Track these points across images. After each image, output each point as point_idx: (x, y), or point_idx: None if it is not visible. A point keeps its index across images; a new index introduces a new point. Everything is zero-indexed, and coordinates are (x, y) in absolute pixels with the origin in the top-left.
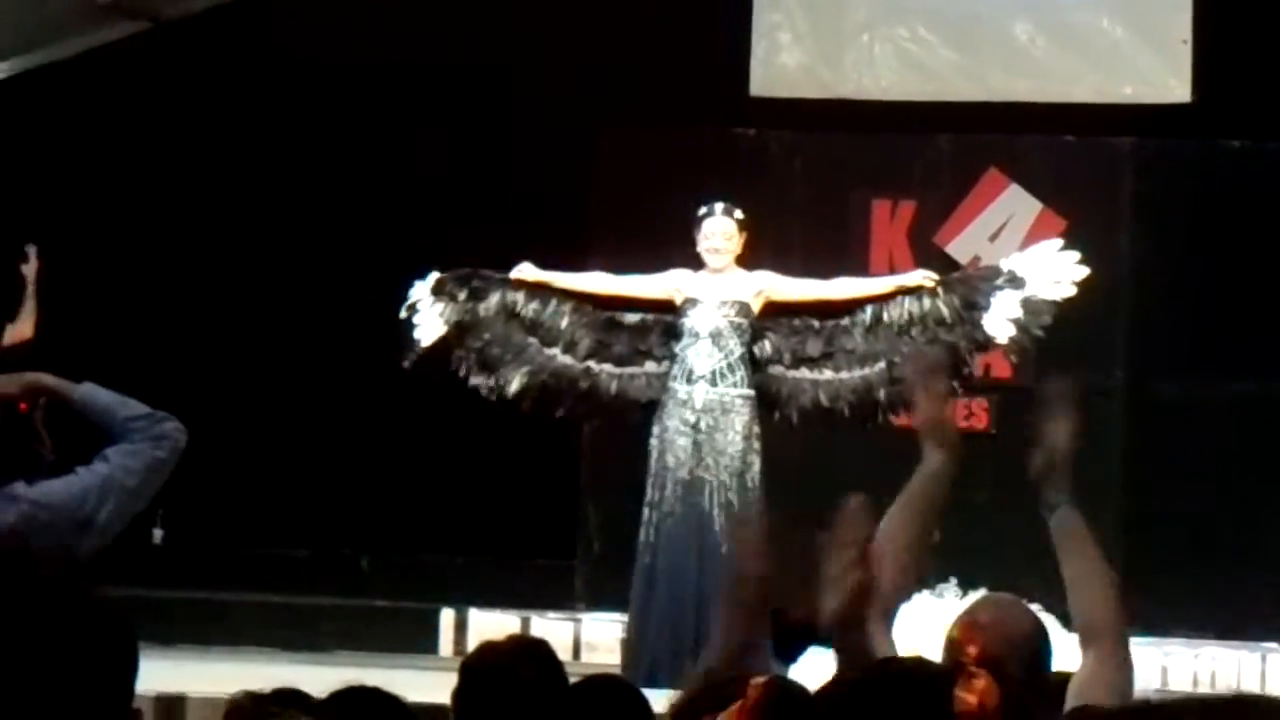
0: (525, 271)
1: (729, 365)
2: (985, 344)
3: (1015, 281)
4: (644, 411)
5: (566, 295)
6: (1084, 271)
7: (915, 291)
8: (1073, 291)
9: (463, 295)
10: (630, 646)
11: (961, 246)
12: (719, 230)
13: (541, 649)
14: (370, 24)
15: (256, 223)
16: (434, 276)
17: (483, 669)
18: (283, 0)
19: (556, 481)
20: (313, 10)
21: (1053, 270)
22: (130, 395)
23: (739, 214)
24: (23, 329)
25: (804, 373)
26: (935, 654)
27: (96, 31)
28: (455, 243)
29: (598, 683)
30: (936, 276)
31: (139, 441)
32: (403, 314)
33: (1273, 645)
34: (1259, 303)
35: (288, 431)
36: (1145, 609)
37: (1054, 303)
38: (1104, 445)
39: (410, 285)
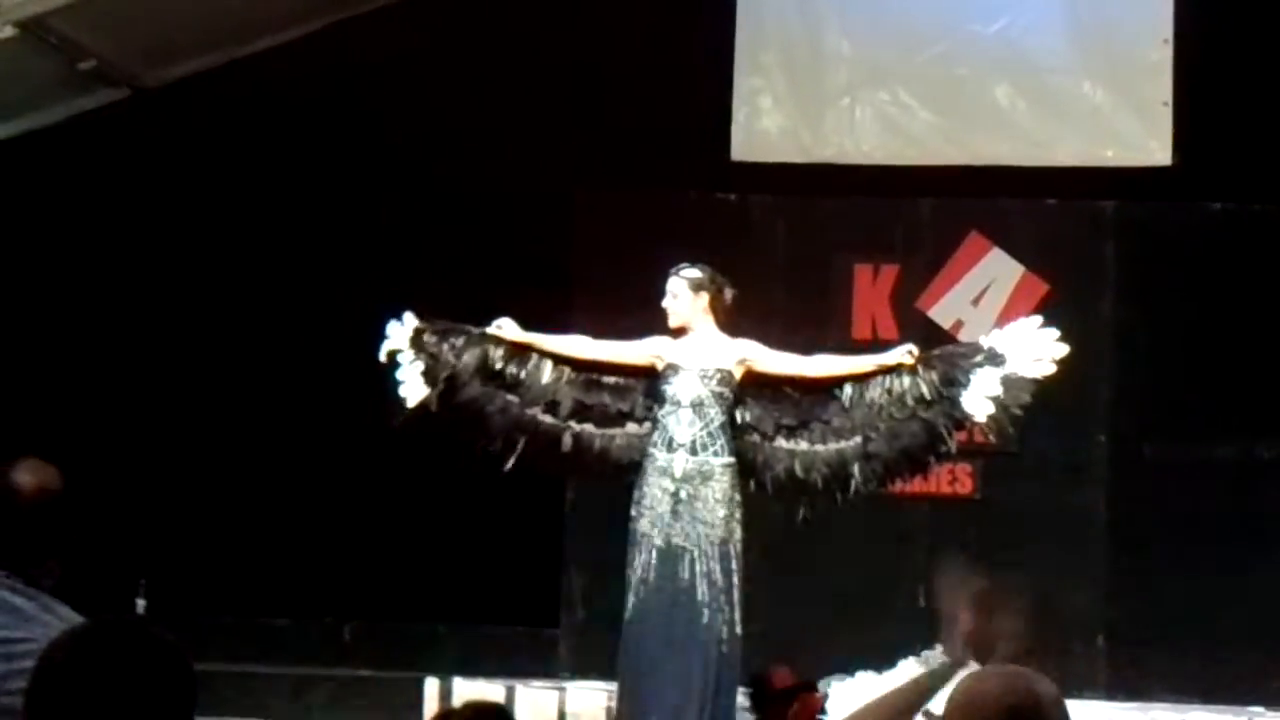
0: (506, 328)
1: (710, 434)
2: (963, 422)
3: (995, 359)
4: (627, 472)
5: (545, 353)
6: (1064, 349)
7: (895, 371)
8: (1053, 369)
9: (444, 352)
10: (622, 711)
11: (944, 310)
12: (668, 289)
13: (499, 713)
14: (352, 85)
15: (239, 287)
16: (411, 323)
17: None
18: (263, 65)
19: (540, 549)
20: (293, 73)
21: (1033, 347)
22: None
23: (693, 273)
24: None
25: (781, 442)
26: (924, 715)
27: (77, 99)
28: (439, 304)
29: None
30: (917, 353)
31: None
32: (381, 357)
33: (1258, 709)
34: (1241, 365)
35: (270, 499)
36: (1130, 672)
37: (1034, 380)
38: (1088, 509)
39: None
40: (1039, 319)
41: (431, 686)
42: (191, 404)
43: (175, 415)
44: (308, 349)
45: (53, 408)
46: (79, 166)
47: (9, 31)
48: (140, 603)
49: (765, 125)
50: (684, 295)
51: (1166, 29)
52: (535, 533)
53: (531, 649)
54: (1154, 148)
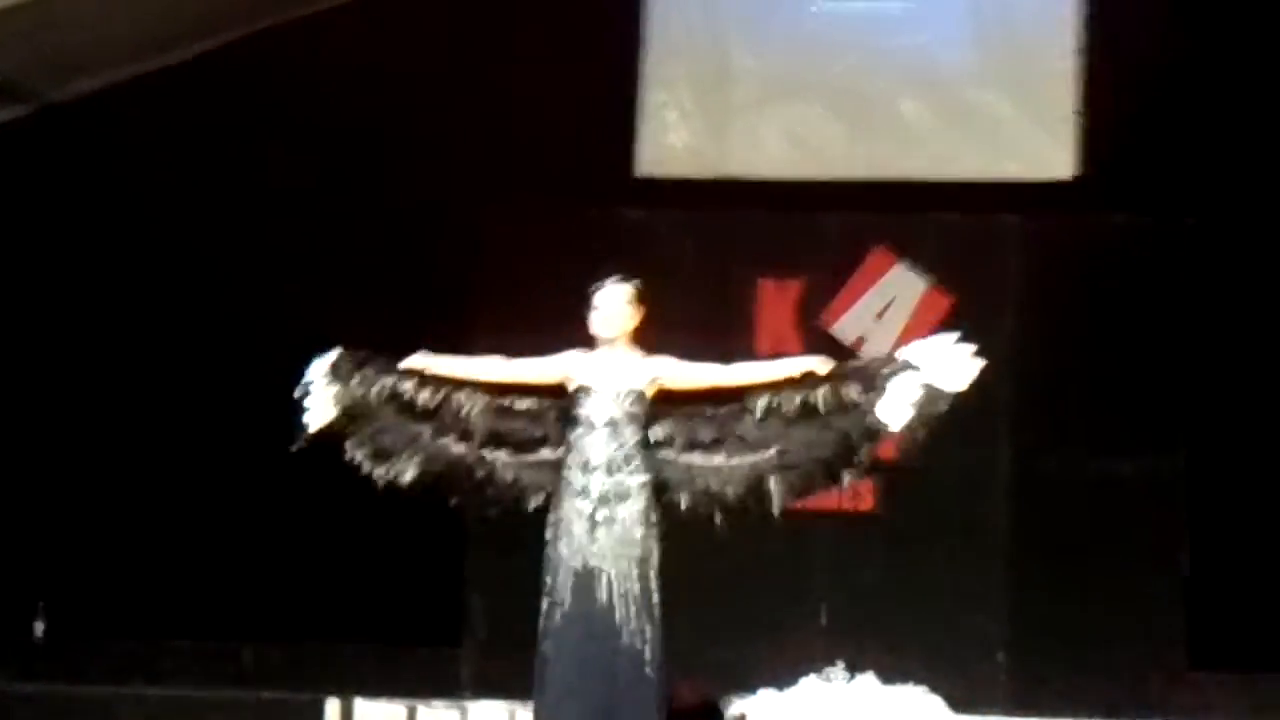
0: (417, 361)
1: (625, 454)
2: (877, 432)
3: (911, 370)
4: (540, 498)
5: (459, 383)
6: (980, 363)
7: (810, 378)
8: (967, 385)
9: (354, 381)
10: None
11: (848, 325)
12: (610, 299)
13: None
14: (256, 101)
15: (139, 304)
16: (333, 355)
17: None
18: (169, 80)
19: (441, 569)
20: (196, 89)
21: (949, 362)
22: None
23: (634, 284)
24: None
25: (695, 458)
26: None
27: None
28: (341, 321)
29: None
30: (832, 364)
31: None
32: (297, 394)
33: None
34: (1143, 379)
35: (168, 521)
36: (1033, 690)
37: (949, 394)
38: (989, 524)
39: (293, 364)
40: (955, 334)
41: (333, 707)
42: (90, 423)
43: (74, 434)
44: (209, 366)
45: None
46: None
47: None
48: (39, 625)
49: (671, 140)
50: (624, 307)
51: (1072, 40)
52: (436, 552)
53: (433, 669)
54: (1057, 161)
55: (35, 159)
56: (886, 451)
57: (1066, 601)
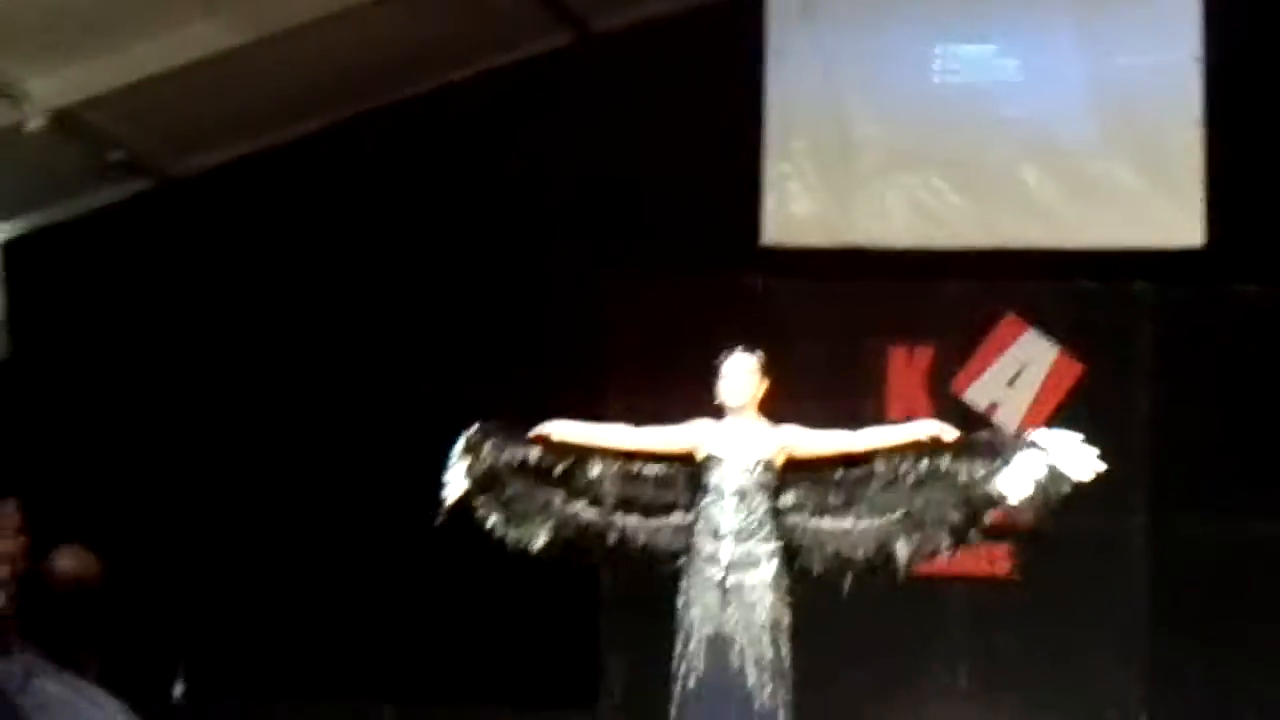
0: (548, 428)
1: (756, 521)
2: (998, 501)
3: (1039, 448)
4: (671, 562)
5: (589, 449)
6: (1103, 466)
7: (935, 445)
8: (1090, 478)
9: (485, 450)
10: None
11: (979, 392)
12: (737, 368)
13: None
14: (377, 175)
15: (272, 376)
16: (469, 431)
17: None
18: (289, 155)
19: (577, 632)
20: (319, 164)
21: (1075, 454)
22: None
23: (759, 355)
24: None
25: (824, 523)
26: None
27: (104, 191)
28: (477, 392)
29: None
30: (957, 432)
31: None
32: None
33: None
34: (1276, 444)
35: (309, 584)
36: None
37: (1072, 480)
38: (1127, 588)
39: (430, 435)
40: (1081, 435)
41: None
42: (234, 491)
43: (218, 501)
44: (346, 436)
45: (93, 496)
46: (106, 257)
47: (40, 121)
48: (179, 687)
49: (795, 210)
50: (750, 376)
51: (1197, 108)
52: (572, 616)
53: None
54: (1186, 229)
55: (157, 232)
56: (1022, 518)
57: (1207, 665)
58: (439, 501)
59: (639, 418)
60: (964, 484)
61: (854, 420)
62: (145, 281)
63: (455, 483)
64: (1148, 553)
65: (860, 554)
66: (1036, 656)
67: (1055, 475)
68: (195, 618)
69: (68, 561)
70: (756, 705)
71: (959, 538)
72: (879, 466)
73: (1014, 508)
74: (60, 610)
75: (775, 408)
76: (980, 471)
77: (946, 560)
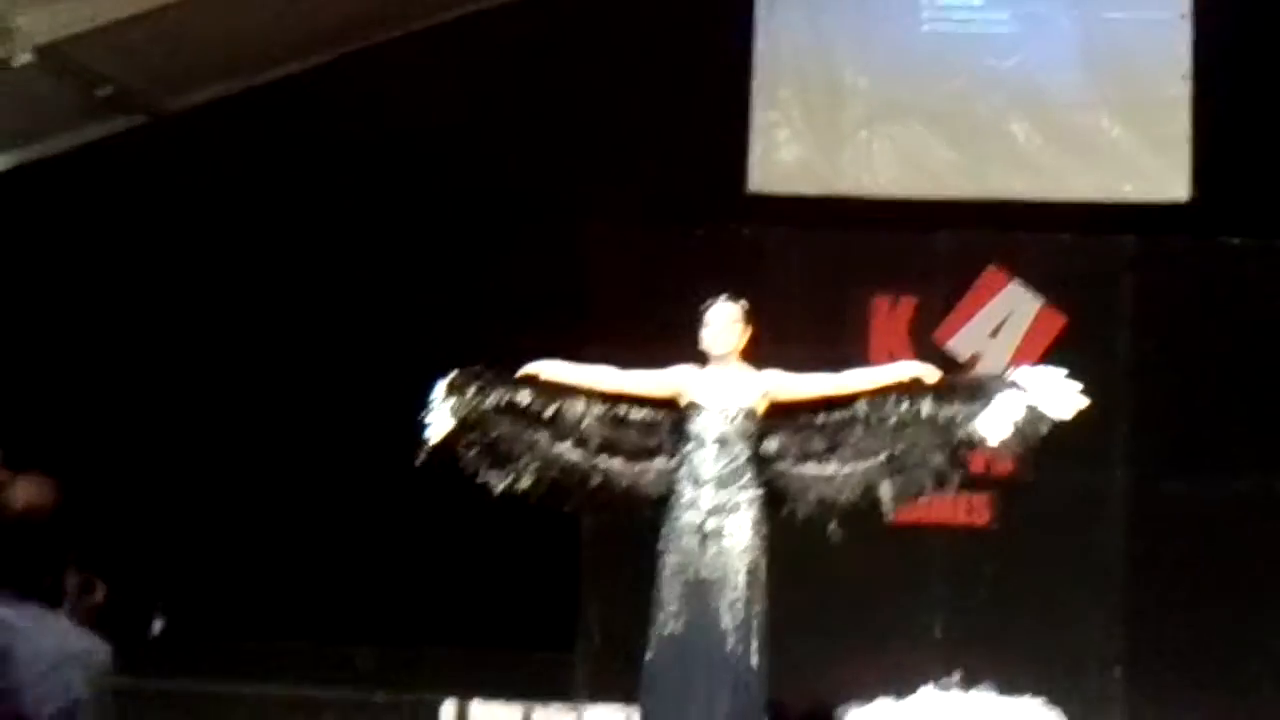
0: (533, 368)
1: (735, 469)
2: (975, 443)
3: (1018, 388)
4: (654, 507)
5: (574, 390)
6: (1085, 402)
7: (918, 387)
8: (1070, 416)
9: (471, 391)
10: None
11: (961, 343)
12: (720, 316)
13: None
14: (367, 115)
15: (258, 315)
16: (452, 374)
17: None
18: (281, 92)
19: (556, 573)
20: (309, 101)
21: (1056, 391)
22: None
23: (742, 303)
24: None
25: (809, 468)
26: None
27: (94, 125)
28: (454, 337)
29: None
30: (939, 374)
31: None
32: (422, 414)
33: None
34: (1258, 399)
35: (287, 523)
36: (1151, 707)
37: (1052, 419)
38: (1106, 541)
39: (409, 377)
40: (1064, 370)
41: (448, 710)
42: (212, 427)
43: (195, 438)
44: (326, 377)
45: (71, 432)
46: (95, 193)
47: (27, 57)
48: (157, 624)
49: (782, 157)
50: (733, 325)
51: (1185, 64)
52: (552, 557)
53: (548, 673)
54: (1172, 183)
55: (146, 168)
56: (1002, 467)
57: (1184, 618)
58: (420, 443)
59: (620, 365)
60: (944, 426)
61: (838, 369)
62: (133, 217)
63: (438, 423)
64: (1127, 505)
65: (844, 498)
66: (1014, 607)
67: (1035, 415)
68: (175, 556)
69: (17, 492)
70: (730, 649)
71: (942, 480)
72: (861, 409)
73: (994, 449)
74: (14, 539)
75: (758, 355)
76: (961, 413)
77: (927, 506)
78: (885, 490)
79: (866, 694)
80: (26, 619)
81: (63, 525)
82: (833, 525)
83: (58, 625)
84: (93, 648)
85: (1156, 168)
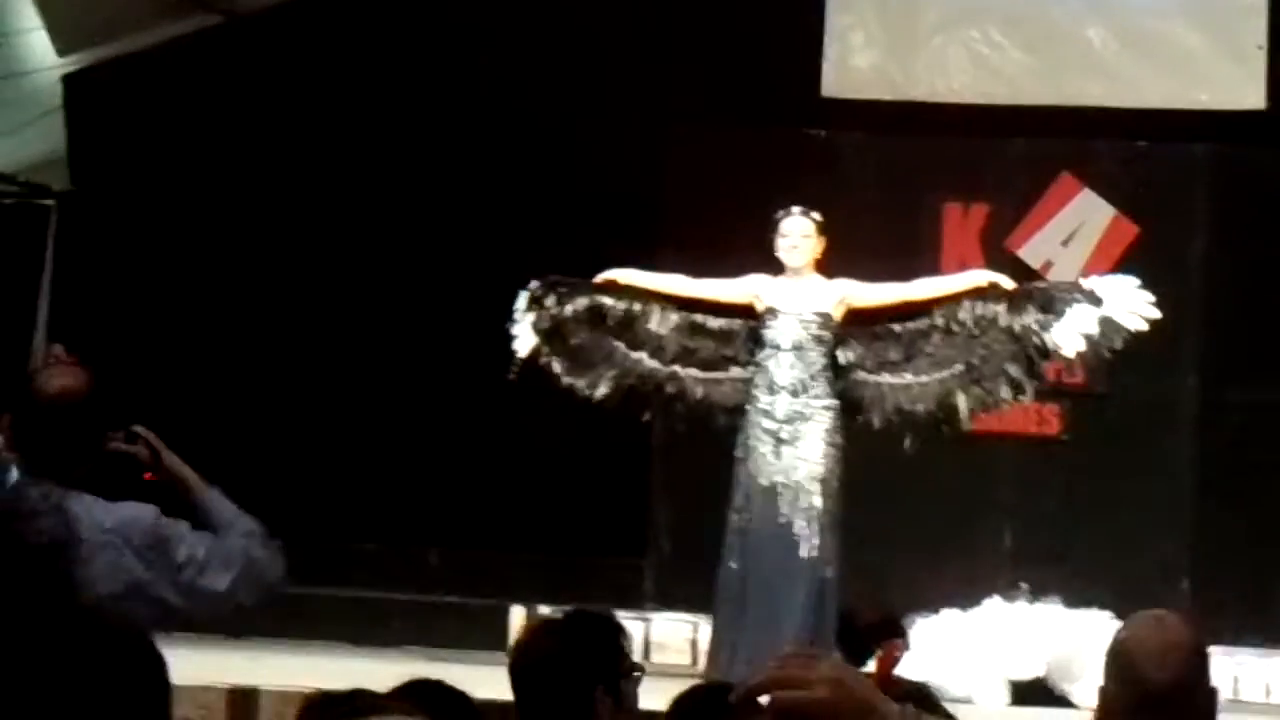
0: (610, 274)
1: (811, 376)
2: (1053, 353)
3: (1093, 299)
4: (729, 416)
5: (651, 298)
6: (1158, 314)
7: (992, 293)
8: (1145, 327)
9: (551, 301)
10: (720, 648)
11: (1033, 251)
12: (796, 229)
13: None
14: (443, 18)
15: (335, 221)
16: (532, 285)
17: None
18: None
19: (627, 481)
20: (386, 8)
21: (1130, 302)
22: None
23: (816, 215)
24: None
25: (885, 377)
26: (1011, 656)
27: (167, 25)
28: (532, 241)
29: None
30: (1012, 283)
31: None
32: (509, 325)
33: None
34: None
35: (362, 427)
36: (1216, 618)
37: (1127, 329)
38: (1175, 452)
39: (493, 287)
40: (1137, 280)
41: (517, 614)
42: (288, 334)
43: (272, 343)
44: (402, 283)
45: (143, 335)
46: (168, 93)
47: None
48: None
49: (857, 62)
50: (811, 237)
51: None
52: (623, 465)
53: (617, 579)
54: (1248, 91)
55: (221, 68)
56: (1073, 378)
57: (1252, 530)
58: (491, 354)
59: (694, 270)
60: (1019, 335)
61: (908, 277)
62: (207, 118)
63: (524, 336)
64: (1197, 417)
65: (921, 408)
66: (1082, 518)
67: (1110, 327)
68: (246, 461)
69: (51, 377)
70: (805, 554)
71: (1018, 390)
72: (938, 318)
73: (1068, 359)
74: (47, 424)
75: (830, 261)
76: (1035, 322)
77: (997, 417)
78: (962, 400)
79: (933, 605)
80: (82, 505)
81: (97, 413)
82: (909, 436)
83: (112, 508)
84: (138, 515)
85: (1232, 75)
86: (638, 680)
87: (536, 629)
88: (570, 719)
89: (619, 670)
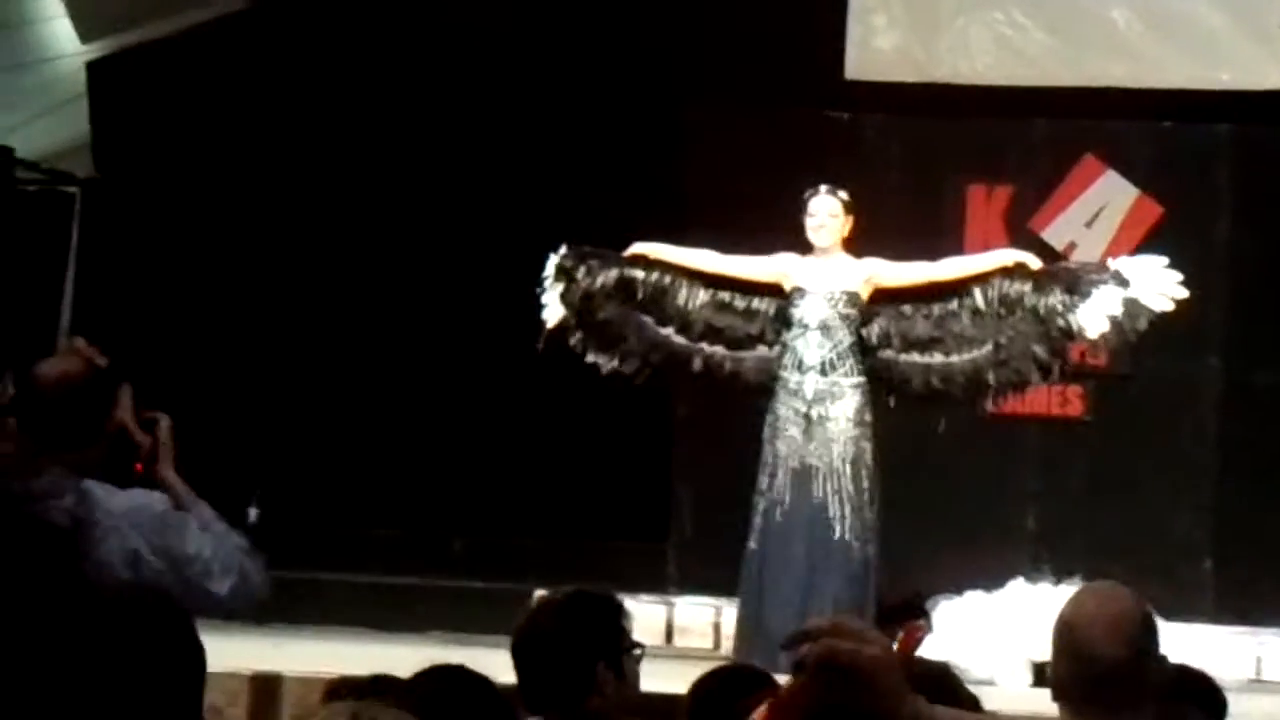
0: (639, 249)
1: (839, 355)
2: (1077, 335)
3: (1120, 280)
4: (756, 395)
5: (680, 273)
6: (1185, 293)
7: (1020, 273)
8: (1172, 307)
9: (580, 274)
10: (744, 631)
11: (1057, 232)
12: (824, 209)
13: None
14: (472, 2)
15: (359, 201)
16: (561, 251)
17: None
18: None
19: (649, 464)
20: None
21: (1156, 281)
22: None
23: (844, 194)
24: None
25: (914, 356)
26: (1034, 638)
27: (192, 11)
28: (555, 222)
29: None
30: (1039, 262)
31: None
32: (538, 291)
33: None
34: None
35: (383, 413)
36: (1239, 599)
37: (1153, 311)
38: (1199, 433)
39: (514, 267)
40: (1164, 259)
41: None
42: (311, 316)
43: (294, 327)
44: (425, 263)
45: (173, 321)
46: (193, 79)
47: None
48: (253, 512)
49: (879, 44)
50: (839, 216)
51: None
52: (644, 448)
53: (639, 563)
54: (1270, 70)
55: (245, 55)
56: (1096, 359)
57: (1275, 511)
58: (511, 340)
59: (719, 250)
60: (1045, 316)
61: (931, 258)
62: (231, 105)
63: (552, 307)
64: (1220, 399)
65: (952, 388)
66: (1106, 499)
67: (1135, 309)
68: (271, 444)
69: (52, 363)
70: (838, 537)
71: (1046, 371)
72: (966, 298)
73: (1092, 341)
74: (51, 409)
75: (855, 242)
76: (1060, 303)
77: (1020, 398)
78: (991, 380)
79: (957, 585)
80: (94, 488)
81: (98, 396)
82: (940, 417)
83: (121, 494)
84: (148, 502)
85: (1254, 55)
86: (639, 657)
87: (537, 608)
88: (573, 695)
89: (620, 647)
